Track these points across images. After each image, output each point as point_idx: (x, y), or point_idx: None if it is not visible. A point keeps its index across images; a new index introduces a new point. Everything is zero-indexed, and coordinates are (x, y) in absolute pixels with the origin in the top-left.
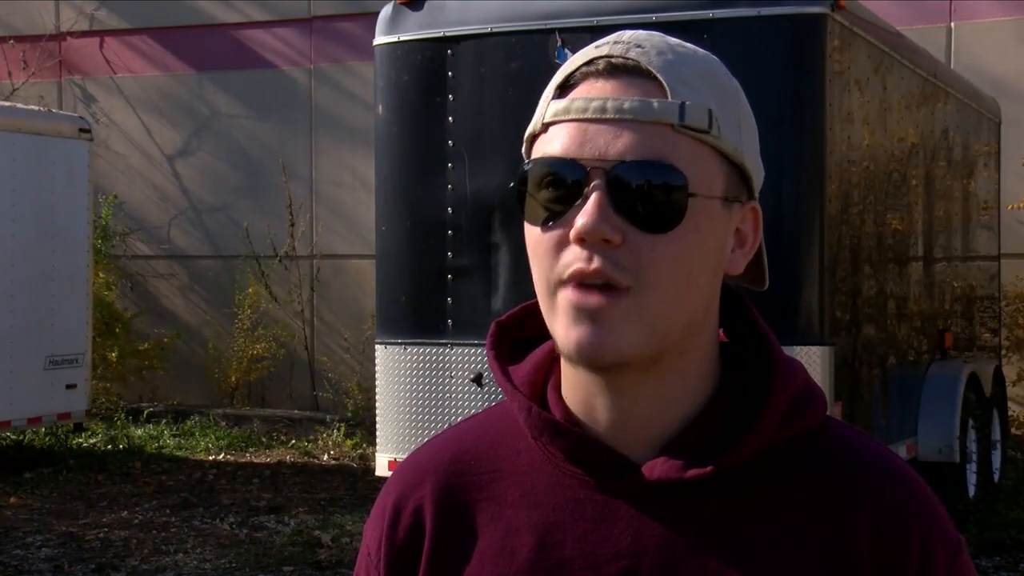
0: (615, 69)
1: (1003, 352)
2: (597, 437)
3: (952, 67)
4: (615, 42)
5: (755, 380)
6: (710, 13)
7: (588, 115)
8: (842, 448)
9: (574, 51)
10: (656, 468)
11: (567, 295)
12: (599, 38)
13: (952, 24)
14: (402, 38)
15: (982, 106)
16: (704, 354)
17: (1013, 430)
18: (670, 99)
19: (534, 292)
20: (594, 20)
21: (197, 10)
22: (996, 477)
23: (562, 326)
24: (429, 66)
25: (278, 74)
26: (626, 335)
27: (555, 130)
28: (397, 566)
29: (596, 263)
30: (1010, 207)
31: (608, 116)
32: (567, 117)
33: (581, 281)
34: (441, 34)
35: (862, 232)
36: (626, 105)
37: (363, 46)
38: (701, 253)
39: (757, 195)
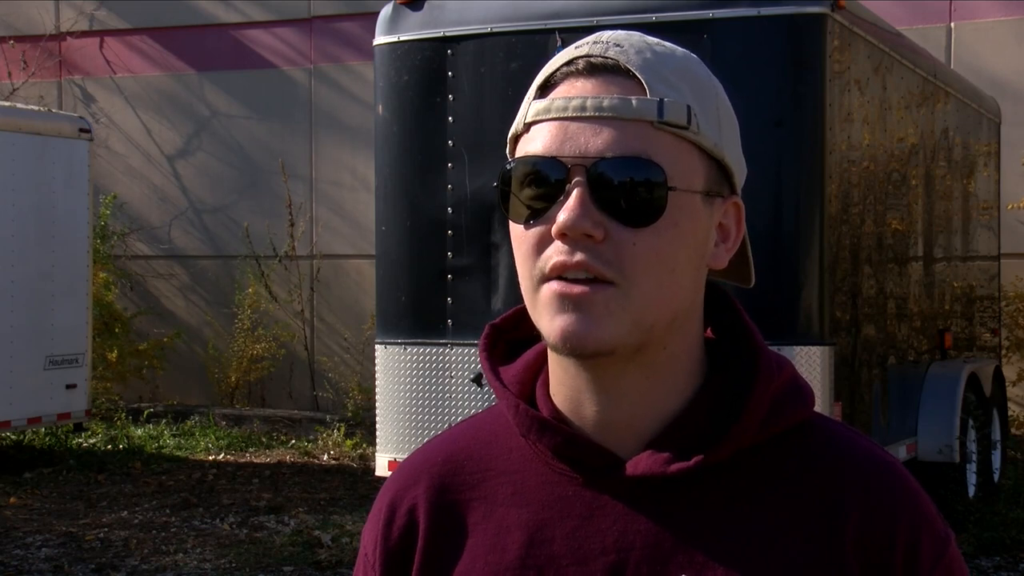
0: (595, 68)
1: (1003, 352)
2: (583, 434)
3: (952, 67)
4: (594, 42)
5: (740, 376)
6: (710, 13)
7: (568, 114)
8: (831, 444)
9: None
10: (640, 463)
11: (551, 286)
12: None
13: (952, 24)
14: (402, 38)
15: (982, 106)
16: (689, 349)
17: (1013, 430)
18: (649, 96)
19: None
20: (594, 20)
21: (197, 10)
22: (996, 477)
23: (547, 317)
24: (429, 66)
25: (278, 74)
26: (610, 325)
27: (536, 129)
28: (393, 565)
29: (579, 256)
30: (1010, 207)
31: (588, 114)
32: (548, 116)
33: (564, 275)
34: (441, 34)
35: (862, 232)
36: (605, 103)
37: (363, 46)
38: (683, 247)
39: (739, 190)
